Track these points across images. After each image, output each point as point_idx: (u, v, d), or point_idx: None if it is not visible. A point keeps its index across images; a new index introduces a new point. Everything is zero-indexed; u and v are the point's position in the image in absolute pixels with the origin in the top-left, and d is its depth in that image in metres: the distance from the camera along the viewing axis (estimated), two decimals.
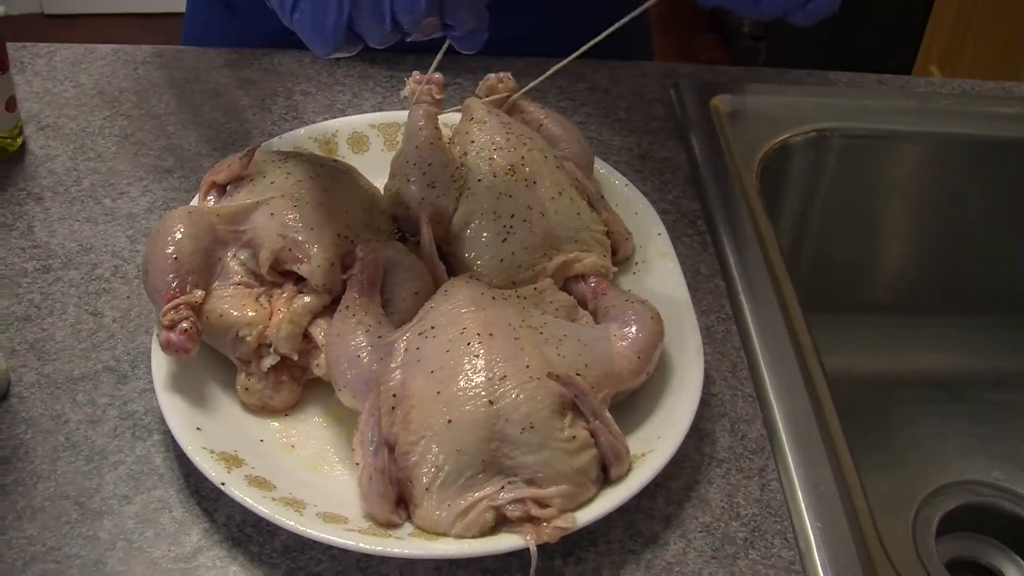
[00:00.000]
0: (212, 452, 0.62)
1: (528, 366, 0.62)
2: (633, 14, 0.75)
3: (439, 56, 0.76)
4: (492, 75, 0.83)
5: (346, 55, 0.66)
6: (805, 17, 0.69)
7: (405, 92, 0.78)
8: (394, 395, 0.62)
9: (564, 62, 0.79)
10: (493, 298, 0.67)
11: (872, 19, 2.82)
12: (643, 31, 1.17)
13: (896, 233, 1.07)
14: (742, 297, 0.80)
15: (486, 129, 0.78)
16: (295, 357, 0.68)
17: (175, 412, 0.64)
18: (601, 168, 0.84)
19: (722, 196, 0.89)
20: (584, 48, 0.77)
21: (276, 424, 0.68)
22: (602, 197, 0.79)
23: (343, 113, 0.94)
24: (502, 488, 0.60)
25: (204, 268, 0.69)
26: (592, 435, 0.62)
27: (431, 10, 0.60)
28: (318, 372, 0.68)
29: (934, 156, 1.03)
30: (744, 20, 2.91)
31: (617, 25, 0.75)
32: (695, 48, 3.13)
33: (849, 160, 0.99)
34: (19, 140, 0.87)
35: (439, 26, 0.62)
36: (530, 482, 0.60)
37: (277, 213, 0.71)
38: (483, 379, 0.61)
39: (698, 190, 0.90)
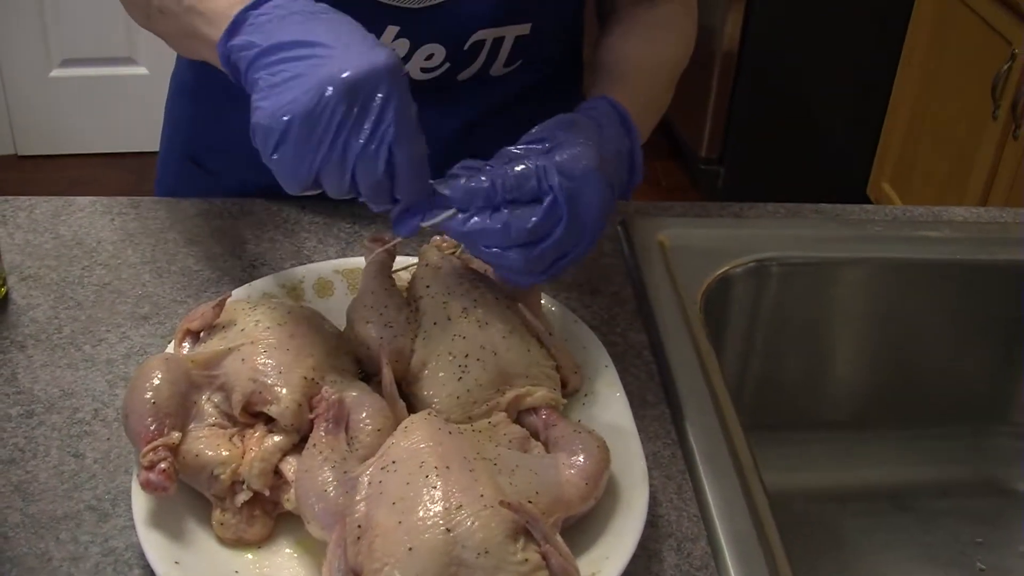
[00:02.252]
0: None
1: (482, 495, 0.68)
2: None
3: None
4: (436, 238, 0.89)
5: (311, 193, 0.74)
6: (538, 279, 0.81)
7: (364, 256, 0.86)
8: (359, 526, 0.68)
9: None
10: (450, 432, 0.73)
11: (825, 140, 2.95)
12: None
13: (838, 353, 1.14)
14: (686, 423, 0.86)
15: (440, 274, 0.85)
16: (267, 493, 0.73)
17: (154, 547, 0.69)
18: (552, 306, 0.91)
19: (667, 328, 0.96)
20: None
21: (250, 556, 0.73)
22: (551, 334, 0.86)
23: (309, 259, 1.01)
24: None
25: (180, 411, 0.75)
26: (544, 558, 0.67)
27: (385, 178, 0.69)
28: (288, 506, 0.73)
29: (869, 280, 1.11)
30: (701, 145, 3.03)
31: None
32: (656, 173, 3.25)
33: (788, 287, 1.07)
34: (2, 290, 0.94)
35: (388, 193, 0.71)
36: None
37: (247, 358, 0.77)
38: (440, 508, 0.67)
39: (645, 322, 0.97)
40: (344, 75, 0.70)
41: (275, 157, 0.72)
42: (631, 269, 1.03)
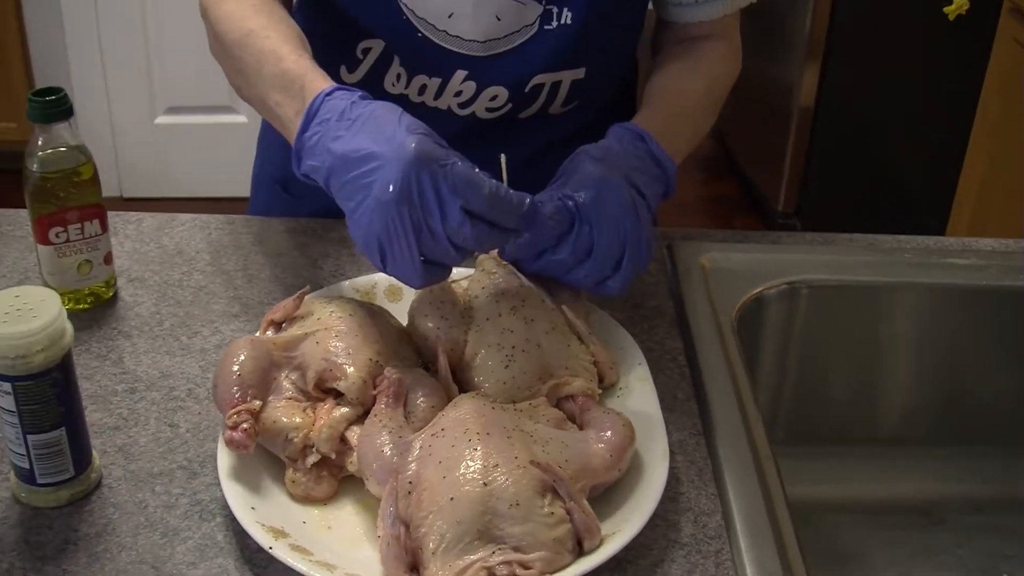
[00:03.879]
0: (263, 525, 0.79)
1: (516, 457, 0.79)
2: None
3: None
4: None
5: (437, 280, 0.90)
6: (618, 284, 0.94)
7: None
8: (410, 482, 0.80)
9: None
10: (493, 408, 0.85)
11: (900, 193, 3.02)
12: None
13: (871, 372, 1.23)
14: (712, 416, 0.97)
15: (494, 278, 0.97)
16: (333, 456, 0.86)
17: (234, 494, 0.82)
18: (595, 313, 1.02)
19: (702, 337, 1.06)
20: None
21: (316, 511, 0.85)
22: (591, 334, 0.97)
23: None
24: (493, 553, 0.76)
25: (262, 384, 0.88)
26: (568, 513, 0.79)
27: (474, 227, 0.86)
28: (351, 468, 0.86)
29: (899, 303, 1.20)
30: (778, 199, 3.13)
31: None
32: (735, 227, 3.35)
33: (818, 308, 1.17)
34: (112, 290, 1.08)
35: (495, 237, 0.88)
36: (516, 549, 0.77)
37: (321, 341, 0.90)
38: (479, 466, 0.78)
39: (681, 332, 1.08)
40: (391, 188, 0.84)
41: (388, 269, 0.88)
42: (673, 287, 1.14)
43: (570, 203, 0.93)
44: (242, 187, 1.46)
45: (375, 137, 0.87)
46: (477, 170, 0.86)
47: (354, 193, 0.87)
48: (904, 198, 3.05)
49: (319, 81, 0.95)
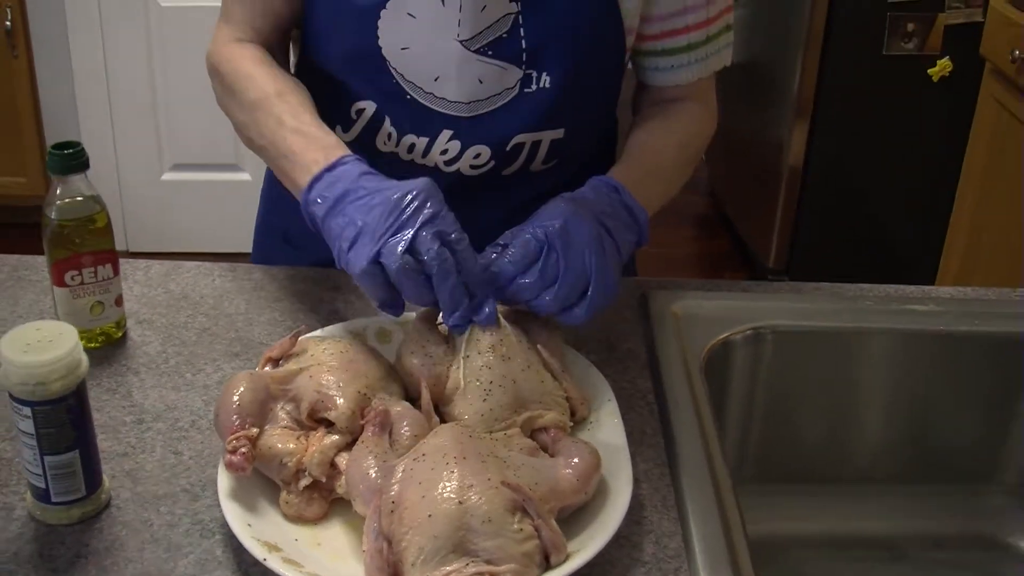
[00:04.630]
0: (258, 540, 0.88)
1: (490, 479, 0.88)
2: None
3: None
4: None
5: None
6: (582, 312, 1.04)
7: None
8: (393, 501, 0.88)
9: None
10: (470, 436, 0.94)
11: (889, 250, 3.12)
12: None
13: (835, 413, 1.31)
14: (677, 449, 1.05)
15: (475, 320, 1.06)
16: (324, 479, 0.94)
17: (233, 512, 0.90)
18: (570, 354, 1.11)
19: (670, 378, 1.15)
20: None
21: (308, 530, 0.93)
22: (564, 372, 1.06)
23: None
24: (467, 564, 0.84)
25: (259, 414, 0.96)
26: (536, 530, 0.87)
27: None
28: (340, 491, 0.94)
29: (860, 347, 1.28)
30: (769, 256, 3.23)
31: None
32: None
33: (782, 352, 1.25)
34: (122, 330, 1.17)
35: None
36: (488, 561, 0.85)
37: (315, 376, 0.99)
38: (455, 486, 0.87)
39: (652, 374, 1.17)
40: (396, 194, 1.00)
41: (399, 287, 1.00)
42: (646, 332, 1.23)
43: (539, 232, 1.03)
44: (245, 243, 1.56)
45: (390, 182, 1.04)
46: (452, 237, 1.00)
47: (360, 202, 1.02)
48: (893, 254, 3.15)
49: (340, 145, 1.10)
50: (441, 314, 1.03)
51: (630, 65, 1.31)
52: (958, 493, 1.34)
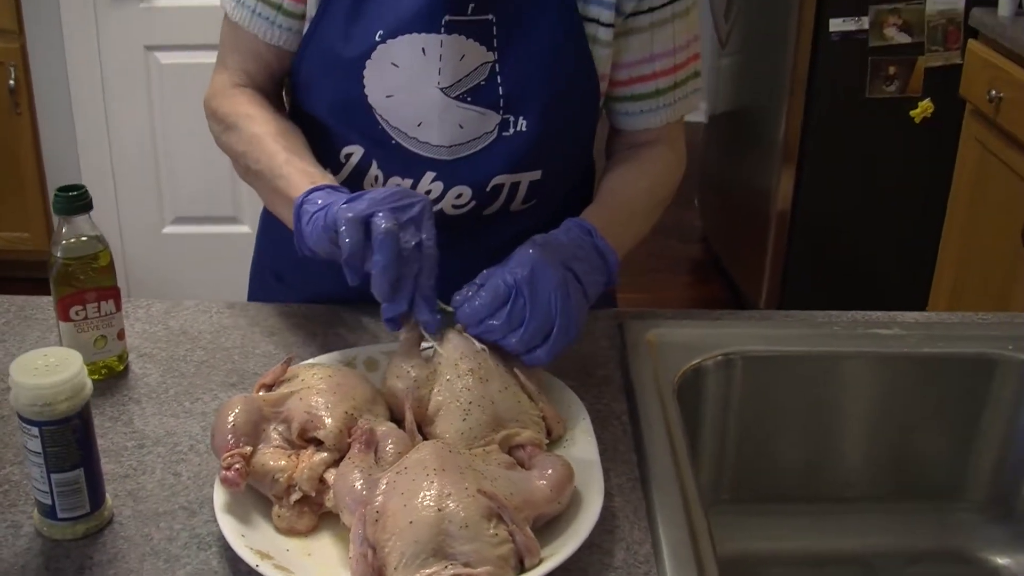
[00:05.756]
0: (251, 549, 0.95)
1: (467, 487, 0.95)
2: None
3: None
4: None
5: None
6: (545, 354, 1.12)
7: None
8: (377, 511, 0.95)
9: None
10: (450, 451, 1.01)
11: (877, 289, 3.19)
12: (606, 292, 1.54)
13: (806, 435, 1.38)
14: (648, 465, 1.12)
15: (456, 345, 1.13)
16: (314, 494, 1.01)
17: (228, 524, 0.97)
18: (546, 377, 1.19)
19: (644, 401, 1.22)
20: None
21: (299, 541, 1.00)
22: (541, 392, 1.13)
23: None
24: (446, 567, 0.91)
25: (253, 434, 1.04)
26: (511, 535, 0.94)
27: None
28: (329, 505, 1.01)
29: (828, 371, 1.35)
30: (760, 299, 3.30)
31: None
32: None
33: (751, 376, 1.32)
34: (124, 363, 1.25)
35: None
36: (466, 564, 0.92)
37: (305, 398, 1.06)
38: (435, 494, 0.94)
39: (627, 397, 1.24)
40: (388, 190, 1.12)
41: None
42: (621, 359, 1.31)
43: (509, 277, 1.11)
44: (244, 293, 1.63)
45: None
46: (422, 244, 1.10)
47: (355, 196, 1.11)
48: (883, 294, 3.22)
49: (329, 178, 1.21)
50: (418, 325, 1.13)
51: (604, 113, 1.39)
52: (929, 510, 1.41)
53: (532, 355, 1.12)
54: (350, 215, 1.08)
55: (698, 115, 3.88)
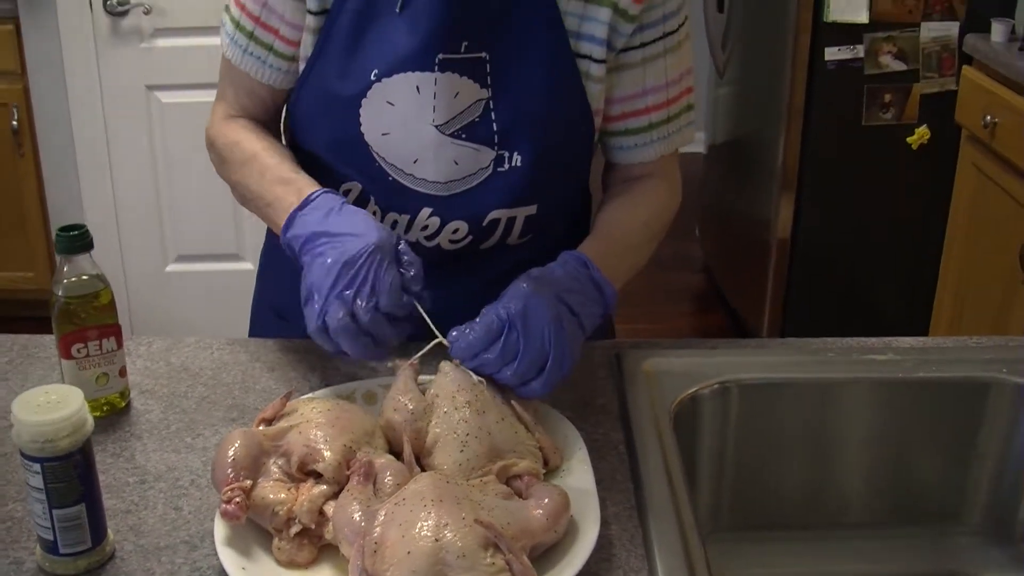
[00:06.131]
0: None
1: (464, 517, 0.96)
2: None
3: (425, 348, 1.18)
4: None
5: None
6: (540, 386, 1.14)
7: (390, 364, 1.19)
8: (375, 542, 0.96)
9: None
10: (447, 482, 1.03)
11: (878, 316, 3.21)
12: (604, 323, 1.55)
13: (804, 461, 1.39)
14: (645, 493, 1.13)
15: (453, 378, 1.15)
16: (313, 526, 1.03)
17: (228, 557, 0.99)
18: (543, 407, 1.20)
19: (640, 430, 1.24)
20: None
21: (299, 573, 1.02)
22: (537, 423, 1.15)
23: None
24: None
25: (253, 468, 1.05)
26: (507, 564, 0.95)
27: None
28: (328, 537, 1.02)
29: (824, 397, 1.36)
30: (762, 328, 3.31)
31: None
32: None
33: (748, 404, 1.34)
34: (126, 400, 1.27)
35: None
36: None
37: (304, 431, 1.08)
38: (432, 525, 0.95)
39: (623, 426, 1.25)
40: (344, 255, 1.13)
41: (306, 309, 1.15)
42: (619, 389, 1.32)
43: (503, 312, 1.13)
44: (247, 331, 1.65)
45: (351, 225, 1.16)
46: (393, 285, 1.13)
47: (319, 254, 1.14)
48: (883, 320, 3.24)
49: (314, 184, 1.25)
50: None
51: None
52: (927, 534, 1.42)
53: (527, 388, 1.14)
54: (312, 328, 1.15)
55: (697, 145, 3.89)
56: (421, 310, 1.16)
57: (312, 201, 1.21)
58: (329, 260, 1.14)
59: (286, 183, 1.26)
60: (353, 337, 1.13)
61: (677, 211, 1.44)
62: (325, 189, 1.24)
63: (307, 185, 1.25)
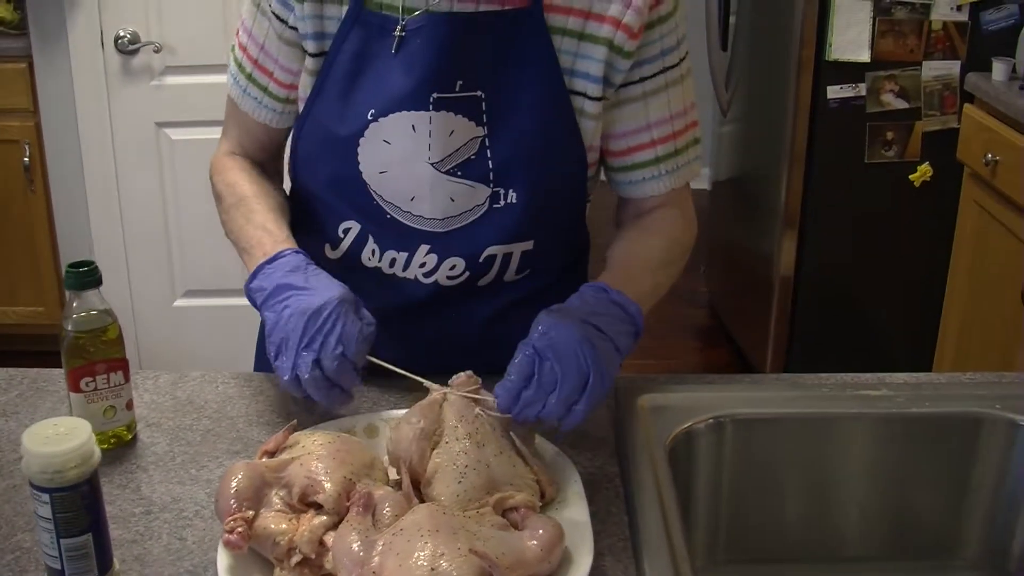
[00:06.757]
0: None
1: (459, 547, 0.99)
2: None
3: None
4: (462, 373, 1.23)
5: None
6: (583, 407, 1.16)
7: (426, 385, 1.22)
8: (374, 572, 0.99)
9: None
10: (444, 513, 1.06)
11: (882, 352, 3.23)
12: None
13: (800, 496, 1.42)
14: (639, 526, 1.16)
15: (454, 410, 1.18)
16: (313, 556, 1.05)
17: None
18: (540, 441, 1.23)
19: (636, 464, 1.26)
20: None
21: None
22: (535, 456, 1.18)
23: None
24: None
25: (255, 499, 1.08)
26: None
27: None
28: (328, 566, 1.05)
29: (819, 432, 1.39)
30: (765, 364, 3.34)
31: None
32: None
33: (742, 438, 1.36)
34: (133, 433, 1.30)
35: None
36: None
37: (305, 463, 1.11)
38: (428, 554, 0.98)
39: (619, 460, 1.28)
40: (312, 307, 1.20)
41: (275, 361, 1.22)
42: (616, 424, 1.35)
43: (529, 349, 1.16)
44: (256, 365, 1.68)
45: (316, 282, 1.22)
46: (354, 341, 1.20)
47: (285, 306, 1.20)
48: (887, 357, 3.26)
49: (290, 241, 1.30)
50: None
51: (606, 179, 1.45)
52: (924, 568, 1.44)
53: (572, 413, 1.16)
54: (283, 382, 1.21)
55: (701, 182, 3.93)
56: (382, 363, 1.24)
57: (281, 258, 1.27)
58: (296, 311, 1.20)
59: (266, 233, 1.32)
60: (326, 389, 1.20)
61: (693, 243, 1.47)
62: (296, 249, 1.29)
63: (283, 241, 1.31)
